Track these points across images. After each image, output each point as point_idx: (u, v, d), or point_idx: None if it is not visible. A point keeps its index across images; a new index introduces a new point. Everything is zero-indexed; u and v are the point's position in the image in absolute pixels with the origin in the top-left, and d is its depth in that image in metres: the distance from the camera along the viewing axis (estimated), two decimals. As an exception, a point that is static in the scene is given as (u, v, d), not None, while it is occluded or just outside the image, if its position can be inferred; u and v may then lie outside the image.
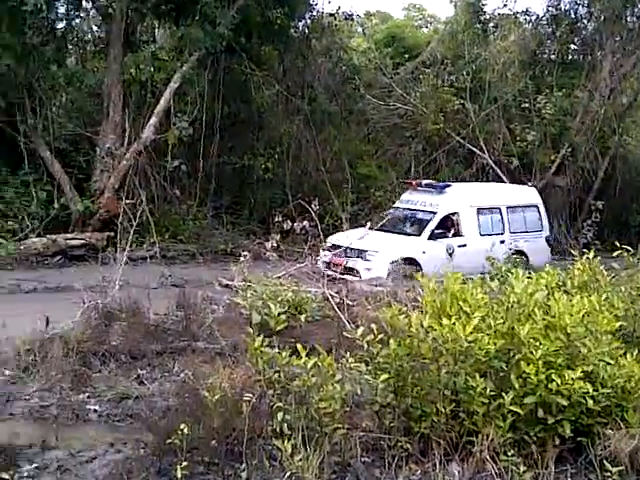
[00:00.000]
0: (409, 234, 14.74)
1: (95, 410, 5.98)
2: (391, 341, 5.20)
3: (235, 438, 4.95)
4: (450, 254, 14.03)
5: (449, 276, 5.86)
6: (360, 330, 5.30)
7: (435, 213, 14.71)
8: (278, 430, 4.80)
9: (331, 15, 19.76)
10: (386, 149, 20.81)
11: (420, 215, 15.07)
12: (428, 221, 14.60)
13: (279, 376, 5.04)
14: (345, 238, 14.40)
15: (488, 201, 15.54)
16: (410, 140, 20.53)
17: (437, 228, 14.44)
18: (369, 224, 14.75)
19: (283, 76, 18.98)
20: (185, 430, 4.71)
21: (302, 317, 7.59)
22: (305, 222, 10.74)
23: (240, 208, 18.00)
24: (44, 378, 6.48)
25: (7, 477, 4.56)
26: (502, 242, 14.81)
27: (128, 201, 13.41)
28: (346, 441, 4.99)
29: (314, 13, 19.56)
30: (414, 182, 15.94)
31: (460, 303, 5.49)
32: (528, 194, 16.47)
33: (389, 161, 20.54)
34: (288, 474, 4.68)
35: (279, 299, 7.75)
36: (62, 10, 16.43)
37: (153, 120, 15.30)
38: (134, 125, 15.53)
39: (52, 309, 7.87)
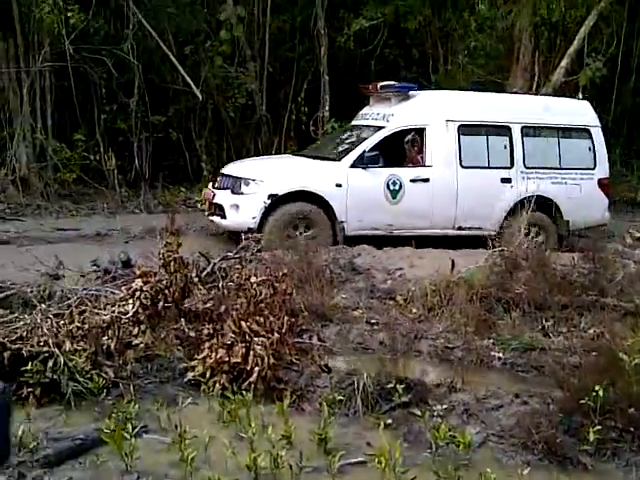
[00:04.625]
0: (329, 159, 9.72)
1: (499, 358, 5.95)
2: None
3: (655, 408, 4.49)
4: (393, 192, 9.35)
5: None
6: None
7: (381, 128, 9.74)
8: None
9: None
10: None
11: (365, 133, 9.97)
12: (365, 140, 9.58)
13: None
14: (239, 165, 10.38)
15: (483, 115, 9.95)
16: None
17: (375, 150, 9.37)
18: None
19: None
20: (600, 392, 4.39)
21: None
22: None
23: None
24: (449, 320, 6.66)
25: (419, 413, 4.72)
26: (506, 181, 9.79)
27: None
28: None
29: None
30: (371, 86, 10.57)
31: None
32: (572, 110, 10.60)
33: None
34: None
35: None
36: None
37: (564, 62, 14.54)
38: (543, 68, 15.01)
39: (455, 256, 8.13)
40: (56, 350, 5.23)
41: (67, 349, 5.29)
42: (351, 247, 8.89)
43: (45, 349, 5.25)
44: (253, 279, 6.10)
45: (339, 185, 9.13)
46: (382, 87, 10.28)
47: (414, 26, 14.84)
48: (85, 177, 13.31)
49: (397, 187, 9.29)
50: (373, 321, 6.69)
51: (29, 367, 5.06)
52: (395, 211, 9.34)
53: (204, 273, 6.68)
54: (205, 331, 5.76)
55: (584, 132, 10.40)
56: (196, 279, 6.48)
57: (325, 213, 9.11)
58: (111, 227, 10.81)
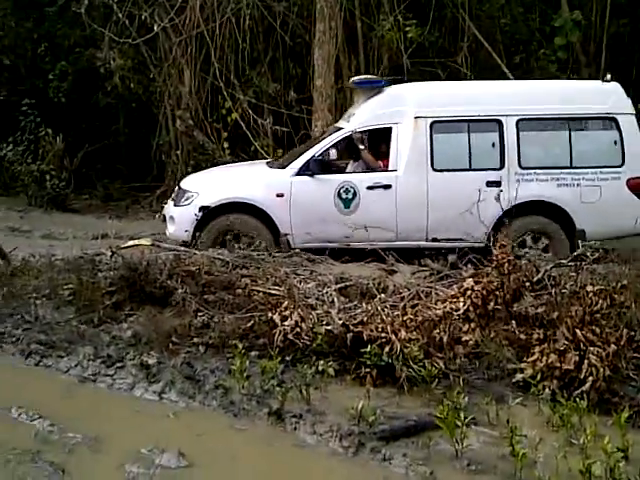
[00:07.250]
0: (278, 166, 8.93)
1: None
2: None
3: None
4: (345, 201, 8.14)
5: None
6: None
7: (338, 130, 8.82)
8: None
9: None
10: None
11: (323, 136, 9.13)
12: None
13: None
14: (194, 176, 9.84)
15: (465, 108, 8.41)
16: None
17: (326, 154, 8.49)
18: None
19: None
20: None
21: None
22: None
23: None
24: None
25: None
26: (494, 184, 8.16)
27: None
28: None
29: None
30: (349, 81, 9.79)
31: None
32: (590, 95, 8.54)
33: None
34: None
35: None
36: None
37: None
38: None
39: None
40: (393, 337, 5.60)
41: (402, 337, 5.63)
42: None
43: (382, 335, 5.66)
44: (589, 288, 5.92)
45: (280, 195, 8.45)
46: (353, 82, 9.44)
47: None
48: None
49: (350, 195, 8.35)
50: None
51: (368, 349, 5.48)
52: (349, 222, 8.35)
53: (535, 279, 6.61)
54: (535, 335, 5.73)
55: (608, 122, 8.49)
56: (527, 284, 6.46)
57: (267, 226, 8.47)
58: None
